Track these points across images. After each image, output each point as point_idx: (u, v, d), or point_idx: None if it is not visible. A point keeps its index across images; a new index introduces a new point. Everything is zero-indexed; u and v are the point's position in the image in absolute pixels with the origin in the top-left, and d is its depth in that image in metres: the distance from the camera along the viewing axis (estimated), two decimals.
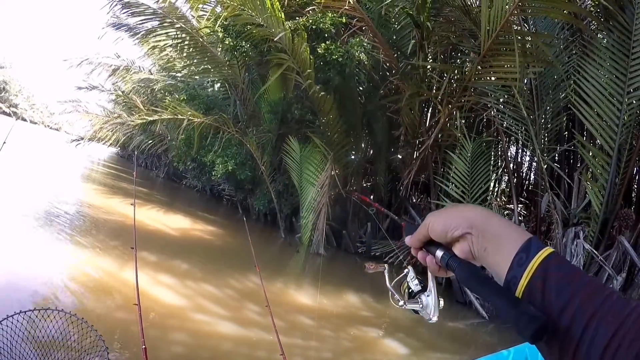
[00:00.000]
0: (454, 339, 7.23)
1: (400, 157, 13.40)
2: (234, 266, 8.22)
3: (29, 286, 4.97)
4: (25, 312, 2.67)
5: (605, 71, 8.19)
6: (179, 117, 13.24)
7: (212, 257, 9.28)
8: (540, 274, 0.58)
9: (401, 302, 0.85)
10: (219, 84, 17.70)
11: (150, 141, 22.64)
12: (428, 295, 0.83)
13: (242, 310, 6.00)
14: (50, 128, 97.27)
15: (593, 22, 9.57)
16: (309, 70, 11.37)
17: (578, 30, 9.36)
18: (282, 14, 11.33)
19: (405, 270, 0.88)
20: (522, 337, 0.56)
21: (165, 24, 14.45)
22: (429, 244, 0.76)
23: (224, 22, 12.84)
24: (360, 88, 13.67)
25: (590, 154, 8.59)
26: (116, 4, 14.48)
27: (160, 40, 15.50)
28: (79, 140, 32.66)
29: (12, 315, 2.62)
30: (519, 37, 8.56)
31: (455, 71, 11.65)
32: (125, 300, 5.07)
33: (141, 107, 20.33)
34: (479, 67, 9.39)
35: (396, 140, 13.31)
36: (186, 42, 14.90)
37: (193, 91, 15.53)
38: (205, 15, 15.12)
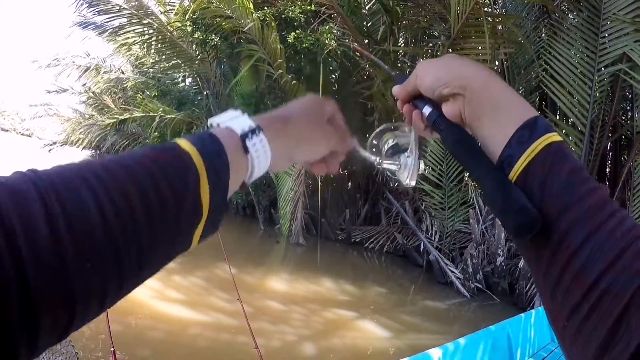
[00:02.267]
0: (437, 319, 7.30)
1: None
2: (209, 262, 8.11)
3: None
4: None
5: (576, 50, 8.30)
6: (151, 114, 13.09)
7: (187, 255, 9.18)
8: (543, 160, 0.48)
9: (377, 159, 0.74)
10: (190, 79, 17.53)
11: (125, 141, 22.33)
12: (408, 156, 0.71)
13: (215, 306, 5.92)
14: (22, 134, 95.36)
15: (563, 2, 9.67)
16: (279, 60, 11.32)
17: (547, 11, 9.46)
18: (251, 4, 11.21)
19: (387, 124, 0.77)
20: (505, 229, 0.49)
21: (133, 21, 14.21)
22: (418, 98, 0.65)
23: (192, 16, 12.70)
24: (332, 76, 13.65)
25: (564, 132, 8.71)
26: (82, 3, 14.15)
27: (128, 38, 15.26)
28: (51, 145, 32.11)
29: None
30: (489, 19, 8.64)
31: (427, 54, 11.70)
32: None
33: (112, 106, 20.08)
34: (450, 50, 9.43)
35: (371, 126, 13.33)
36: (154, 38, 14.69)
37: (164, 87, 15.37)
38: (174, 9, 14.93)
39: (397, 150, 0.74)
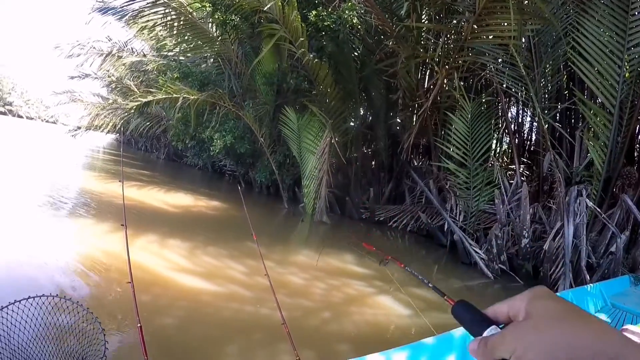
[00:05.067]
0: (460, 297, 7.22)
1: (399, 121, 13.32)
2: (235, 239, 8.18)
3: (26, 270, 4.97)
4: (19, 301, 2.65)
5: (605, 27, 8.00)
6: (174, 95, 13.10)
7: (213, 231, 9.26)
8: None
9: None
10: (212, 60, 17.53)
11: (148, 123, 22.53)
12: None
13: (243, 282, 5.94)
14: (47, 121, 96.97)
15: None
16: (301, 39, 11.19)
17: None
18: None
19: None
20: None
21: (152, 3, 14.19)
22: None
23: None
24: (355, 53, 13.47)
25: (591, 112, 8.45)
26: None
27: (149, 20, 15.25)
28: (76, 130, 32.56)
29: (6, 306, 2.60)
30: None
31: (451, 31, 11.47)
32: (120, 279, 5.06)
33: (135, 89, 20.20)
34: (475, 26, 9.19)
35: (394, 105, 13.21)
36: (175, 20, 14.66)
37: (186, 69, 15.38)
38: None
39: None
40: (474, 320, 0.58)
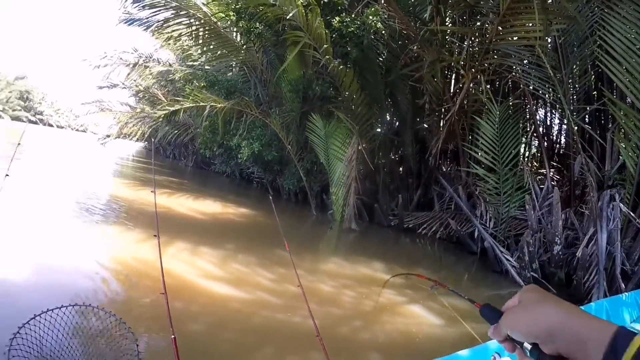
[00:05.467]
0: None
1: (426, 126, 13.20)
2: (265, 247, 8.19)
3: (59, 277, 5.07)
4: (52, 309, 2.68)
5: (631, 24, 7.75)
6: (201, 104, 13.27)
7: (243, 239, 9.32)
8: None
9: None
10: (237, 68, 17.70)
11: (176, 131, 22.85)
12: None
13: (275, 292, 5.93)
14: (77, 130, 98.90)
15: None
16: (326, 46, 11.19)
17: None
18: None
19: None
20: None
21: (178, 14, 14.38)
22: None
23: (236, 6, 12.77)
24: (380, 59, 13.43)
25: (622, 112, 8.19)
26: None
27: (174, 31, 15.46)
28: (105, 138, 33.21)
29: (39, 315, 2.63)
30: None
31: (476, 34, 11.33)
32: (153, 289, 5.10)
33: (163, 98, 20.52)
34: (499, 27, 9.06)
35: (421, 110, 13.09)
36: (200, 30, 14.85)
37: (212, 77, 15.55)
38: (216, 0, 15.05)
39: None
40: (493, 315, 0.79)
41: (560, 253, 8.27)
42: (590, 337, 0.60)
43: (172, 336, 2.54)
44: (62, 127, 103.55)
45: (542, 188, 9.16)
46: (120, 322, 2.87)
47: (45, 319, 2.64)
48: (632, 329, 0.70)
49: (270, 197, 6.12)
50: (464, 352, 2.79)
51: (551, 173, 10.27)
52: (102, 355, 2.90)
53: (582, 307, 3.90)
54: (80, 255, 6.07)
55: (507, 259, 8.76)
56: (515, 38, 9.49)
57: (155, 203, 3.94)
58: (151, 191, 4.09)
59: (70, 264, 5.60)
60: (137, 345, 2.80)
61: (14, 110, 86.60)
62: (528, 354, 0.69)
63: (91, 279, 5.19)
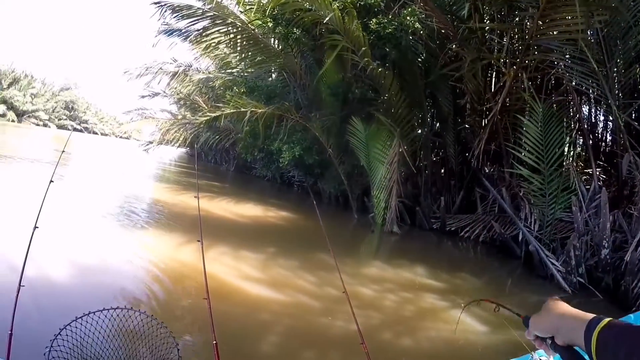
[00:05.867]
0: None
1: (468, 126, 13.02)
2: (308, 251, 8.20)
3: (102, 280, 5.22)
4: (93, 312, 2.71)
5: None
6: (242, 110, 13.50)
7: (285, 242, 9.39)
8: (601, 343, 0.79)
9: None
10: (276, 74, 17.89)
11: (217, 137, 23.23)
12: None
13: (318, 296, 5.92)
14: (120, 137, 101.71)
15: None
16: (364, 48, 11.21)
17: None
18: None
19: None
20: None
21: (215, 22, 14.64)
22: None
23: (273, 12, 12.89)
24: (419, 59, 13.33)
25: None
26: (165, 10, 14.69)
27: (213, 39, 15.74)
28: (148, 144, 34.01)
29: (81, 317, 2.67)
30: None
31: (515, 30, 11.11)
32: (196, 293, 5.16)
33: (204, 105, 20.90)
34: (540, 22, 8.84)
35: (462, 110, 12.93)
36: (238, 37, 15.08)
37: (252, 83, 15.79)
38: (253, 7, 15.23)
39: None
40: (528, 322, 1.05)
41: (608, 257, 7.93)
42: (576, 327, 0.86)
43: (214, 342, 2.56)
44: (106, 135, 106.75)
45: (589, 188, 8.86)
46: (162, 326, 2.89)
47: (87, 322, 2.66)
48: None
49: (314, 201, 6.15)
50: None
51: (598, 173, 9.91)
52: (142, 359, 2.94)
53: (631, 315, 3.80)
54: (123, 258, 6.27)
55: (553, 263, 8.48)
56: (556, 32, 9.24)
57: (199, 209, 4.01)
58: (194, 196, 4.17)
59: (113, 266, 5.81)
60: (178, 350, 2.81)
61: (59, 119, 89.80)
62: (549, 345, 0.99)
63: (134, 282, 5.33)
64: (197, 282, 5.29)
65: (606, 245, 7.89)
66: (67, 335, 2.57)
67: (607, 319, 0.82)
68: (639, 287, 7.08)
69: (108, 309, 2.75)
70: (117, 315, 2.77)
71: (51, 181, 3.62)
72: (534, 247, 8.97)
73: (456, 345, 5.03)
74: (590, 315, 0.87)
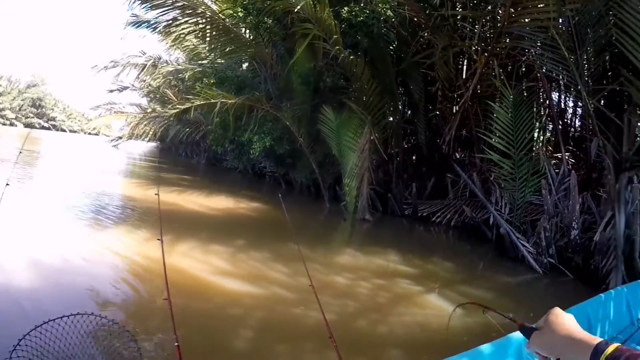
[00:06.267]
0: (508, 295, 6.87)
1: (439, 113, 13.09)
2: (279, 243, 7.93)
3: (64, 285, 4.95)
4: (53, 320, 2.60)
5: None
6: (211, 101, 13.29)
7: (255, 234, 9.19)
8: None
9: None
10: (247, 64, 17.69)
11: (187, 129, 22.93)
12: None
13: (288, 288, 5.77)
14: (89, 134, 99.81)
15: None
16: (335, 36, 11.13)
17: None
18: None
19: None
20: None
21: (185, 12, 14.37)
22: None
23: (244, 1, 12.73)
24: (391, 47, 13.34)
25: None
26: (134, 1, 14.34)
27: (183, 30, 15.45)
28: (117, 140, 33.45)
29: (40, 325, 2.57)
30: None
31: (488, 17, 11.19)
32: (160, 295, 4.97)
33: (174, 98, 20.60)
34: (511, 9, 8.92)
35: (434, 97, 13.00)
36: (207, 28, 14.83)
37: (222, 74, 15.58)
38: None
39: None
40: (527, 333, 1.02)
41: (577, 238, 8.10)
42: (582, 352, 0.84)
43: (176, 344, 2.45)
44: (75, 132, 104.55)
45: (558, 172, 8.98)
46: (124, 331, 2.81)
47: (47, 329, 2.56)
48: None
49: (280, 194, 6.02)
50: (485, 347, 2.69)
51: (567, 157, 10.09)
52: None
53: (602, 295, 3.83)
54: (85, 259, 5.90)
55: (524, 245, 8.60)
56: (527, 20, 9.34)
57: (159, 208, 3.84)
58: (155, 194, 3.96)
59: (75, 268, 5.47)
60: (141, 354, 2.74)
61: (27, 117, 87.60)
62: None
63: (96, 285, 4.98)
64: (162, 281, 5.07)
65: (575, 226, 8.04)
66: (26, 345, 2.48)
67: (614, 346, 0.79)
68: (608, 266, 7.23)
69: (68, 316, 2.66)
70: (78, 321, 2.69)
71: (7, 184, 3.46)
72: (504, 230, 9.08)
73: (431, 330, 5.01)
74: (597, 340, 0.84)
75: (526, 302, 6.78)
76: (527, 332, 1.01)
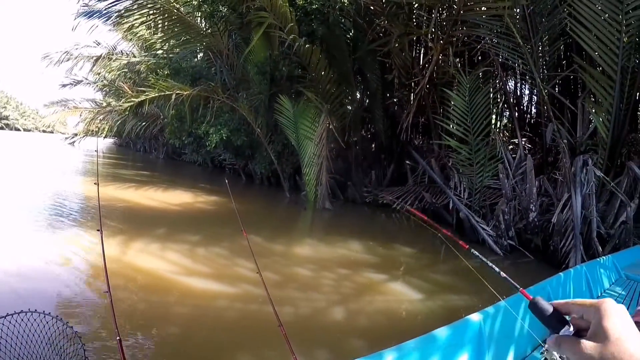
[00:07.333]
0: (469, 278, 6.94)
1: (396, 101, 13.10)
2: (236, 236, 7.83)
3: (6, 282, 4.69)
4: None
5: None
6: (166, 93, 12.94)
7: (212, 228, 8.90)
8: None
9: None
10: (202, 54, 17.33)
11: (144, 123, 22.39)
12: None
13: (235, 281, 5.62)
14: (44, 132, 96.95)
15: None
16: (291, 24, 10.98)
17: None
18: None
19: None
20: None
21: (137, 1, 13.91)
22: None
23: None
24: (347, 36, 13.24)
25: (593, 79, 8.15)
26: None
27: (136, 19, 14.98)
28: (73, 137, 32.47)
29: None
30: None
31: (444, 5, 11.21)
32: (104, 288, 4.75)
33: (129, 91, 20.03)
34: None
35: (391, 85, 12.99)
36: (160, 17, 14.41)
37: (176, 65, 15.20)
38: None
39: None
40: (552, 318, 0.68)
41: (535, 220, 8.25)
42: None
43: (117, 338, 2.31)
44: (29, 130, 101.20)
45: (515, 157, 9.14)
46: (67, 327, 2.65)
47: None
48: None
49: (226, 180, 5.86)
50: (441, 331, 2.61)
51: (523, 142, 10.24)
52: None
53: (561, 274, 3.83)
54: (32, 259, 5.61)
55: (483, 228, 8.73)
56: (483, 8, 9.40)
57: (99, 197, 3.65)
58: (94, 182, 3.77)
59: (24, 267, 5.22)
60: (85, 350, 2.61)
61: None
62: None
63: (40, 283, 4.73)
64: (112, 275, 4.87)
65: (533, 208, 8.17)
66: None
67: None
68: (566, 246, 7.37)
69: (12, 314, 2.50)
70: (22, 319, 2.55)
71: None
72: (464, 214, 9.17)
73: (394, 316, 4.97)
74: None
75: (489, 283, 6.82)
76: (556, 322, 0.68)
